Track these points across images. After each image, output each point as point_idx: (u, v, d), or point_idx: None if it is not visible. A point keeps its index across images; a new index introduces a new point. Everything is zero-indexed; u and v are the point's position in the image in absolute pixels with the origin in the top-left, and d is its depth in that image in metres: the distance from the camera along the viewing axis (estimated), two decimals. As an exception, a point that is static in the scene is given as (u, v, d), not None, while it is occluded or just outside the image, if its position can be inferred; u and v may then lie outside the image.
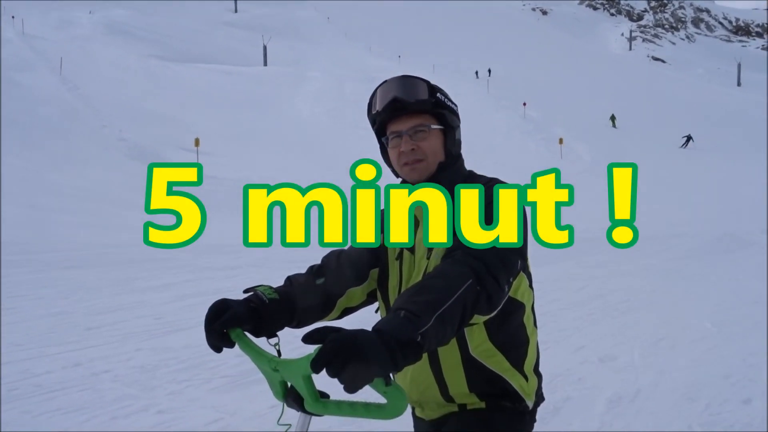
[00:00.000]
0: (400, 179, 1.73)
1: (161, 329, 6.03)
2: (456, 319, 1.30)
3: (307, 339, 1.18)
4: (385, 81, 1.66)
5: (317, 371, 1.15)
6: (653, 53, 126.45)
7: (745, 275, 8.97)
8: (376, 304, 1.85)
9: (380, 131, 1.71)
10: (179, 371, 4.69)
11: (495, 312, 1.43)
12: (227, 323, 1.47)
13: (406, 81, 1.64)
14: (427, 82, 1.65)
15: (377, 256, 1.77)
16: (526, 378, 1.67)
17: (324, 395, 1.33)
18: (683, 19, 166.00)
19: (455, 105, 1.73)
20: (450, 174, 1.66)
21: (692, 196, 21.52)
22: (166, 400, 4.26)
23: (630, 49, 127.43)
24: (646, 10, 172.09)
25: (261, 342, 1.53)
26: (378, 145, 1.76)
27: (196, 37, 62.51)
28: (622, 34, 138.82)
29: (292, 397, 1.36)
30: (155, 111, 33.20)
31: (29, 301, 7.49)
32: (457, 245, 1.46)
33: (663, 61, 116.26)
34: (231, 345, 1.48)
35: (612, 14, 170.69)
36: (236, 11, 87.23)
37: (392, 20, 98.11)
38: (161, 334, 5.86)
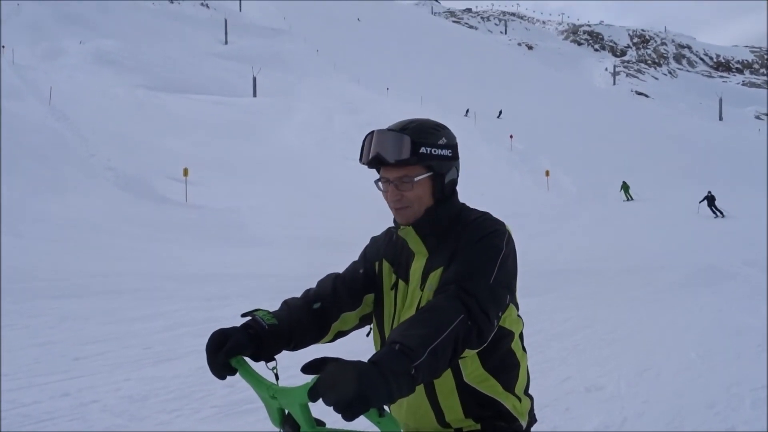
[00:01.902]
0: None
1: (150, 359, 6.02)
2: (448, 353, 1.37)
3: (306, 369, 1.24)
4: (371, 133, 1.66)
5: (314, 400, 1.22)
6: (637, 88, 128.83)
7: (728, 306, 9.09)
8: (367, 328, 1.89)
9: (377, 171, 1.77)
10: (168, 401, 4.69)
11: (484, 345, 1.50)
12: (230, 352, 1.50)
13: (390, 139, 1.62)
14: (411, 139, 1.62)
15: (372, 282, 1.82)
16: (519, 399, 1.72)
17: (320, 423, 1.37)
18: (665, 55, 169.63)
19: (449, 147, 1.71)
20: (440, 213, 1.71)
21: (676, 228, 21.78)
22: (155, 430, 4.26)
23: (614, 83, 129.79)
24: (629, 46, 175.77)
25: (259, 366, 1.57)
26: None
27: (186, 67, 62.91)
28: (606, 69, 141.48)
29: (289, 424, 1.40)
30: (143, 140, 33.25)
31: (15, 330, 7.43)
32: (450, 279, 1.53)
33: (646, 96, 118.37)
34: (233, 372, 1.52)
35: (596, 50, 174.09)
36: (226, 43, 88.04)
37: (380, 53, 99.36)
38: (150, 363, 5.85)
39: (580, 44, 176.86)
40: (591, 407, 4.91)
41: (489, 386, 1.67)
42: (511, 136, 46.29)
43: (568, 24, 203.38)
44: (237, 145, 35.39)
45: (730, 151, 49.93)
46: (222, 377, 1.52)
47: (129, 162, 27.81)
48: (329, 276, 1.86)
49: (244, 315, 1.66)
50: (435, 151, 1.67)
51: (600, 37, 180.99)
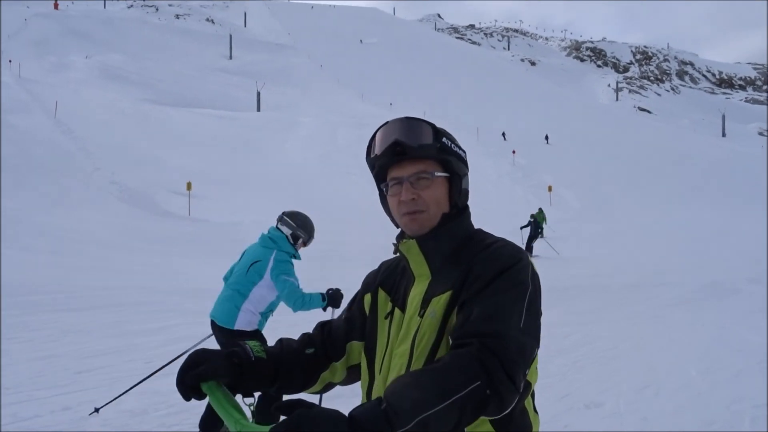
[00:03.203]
0: (399, 229, 1.58)
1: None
2: (447, 423, 1.16)
3: (278, 409, 1.12)
4: (387, 122, 1.52)
5: None
6: (639, 104, 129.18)
7: (730, 323, 9.07)
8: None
9: (380, 176, 1.57)
10: (168, 415, 4.71)
11: (506, 412, 1.26)
12: (202, 375, 1.36)
13: (410, 123, 1.49)
14: (432, 125, 1.50)
15: (353, 328, 1.65)
16: None
17: None
18: (668, 72, 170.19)
19: (463, 151, 1.58)
20: (453, 228, 1.52)
21: (678, 244, 21.75)
22: (155, 444, 4.28)
23: (617, 99, 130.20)
24: (631, 63, 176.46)
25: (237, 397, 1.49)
26: (377, 192, 1.61)
27: (191, 82, 63.36)
28: (609, 85, 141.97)
29: None
30: (148, 154, 33.43)
31: (18, 344, 7.46)
32: (471, 330, 1.29)
33: (649, 112, 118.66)
34: (201, 397, 1.38)
35: (599, 66, 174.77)
36: (231, 58, 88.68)
37: (384, 69, 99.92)
38: (151, 378, 5.87)
39: (582, 60, 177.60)
40: (590, 424, 4.91)
41: None
42: (513, 152, 46.45)
43: (570, 40, 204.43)
44: (240, 159, 35.55)
45: (733, 168, 49.98)
46: (187, 398, 1.38)
47: (133, 176, 27.95)
48: (320, 322, 1.72)
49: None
50: (454, 147, 1.54)
51: (603, 53, 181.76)
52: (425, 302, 1.45)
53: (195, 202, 25.30)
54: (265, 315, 4.36)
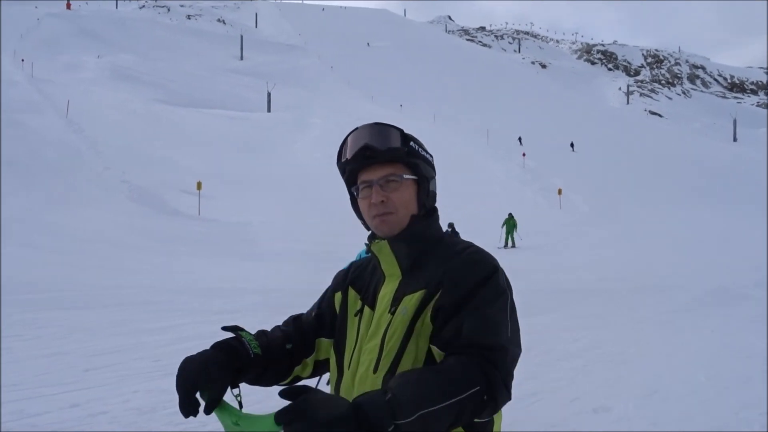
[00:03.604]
0: (370, 231, 1.63)
1: (159, 371, 6.05)
2: (445, 422, 1.22)
3: (284, 394, 1.14)
4: (356, 128, 1.58)
5: (279, 423, 1.12)
6: (650, 107, 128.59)
7: (738, 329, 9.00)
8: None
9: (351, 180, 1.63)
10: (176, 414, 4.66)
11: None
12: (218, 386, 1.39)
13: (378, 128, 1.55)
14: (401, 130, 1.56)
15: (323, 325, 1.69)
16: None
17: None
18: (679, 75, 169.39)
19: (430, 155, 1.64)
20: (422, 229, 1.57)
21: (686, 248, 21.63)
22: (162, 443, 4.30)
23: (627, 103, 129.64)
24: (642, 66, 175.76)
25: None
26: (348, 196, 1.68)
27: (201, 82, 63.62)
28: (620, 89, 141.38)
29: None
30: (158, 154, 33.59)
31: (25, 341, 7.50)
32: (467, 341, 1.35)
33: (660, 116, 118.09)
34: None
35: (609, 69, 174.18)
36: (242, 58, 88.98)
37: (394, 70, 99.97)
38: (159, 376, 5.89)
39: (593, 63, 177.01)
40: (599, 429, 4.88)
41: None
42: (523, 154, 46.33)
43: (581, 43, 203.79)
44: (250, 160, 35.66)
45: (743, 173, 49.64)
46: (195, 413, 1.38)
47: (143, 175, 28.08)
48: (292, 317, 1.75)
49: (226, 329, 1.54)
50: (421, 152, 1.59)
51: (614, 56, 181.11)
52: (396, 300, 1.51)
53: (205, 202, 25.40)
54: None
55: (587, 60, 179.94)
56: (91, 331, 8.20)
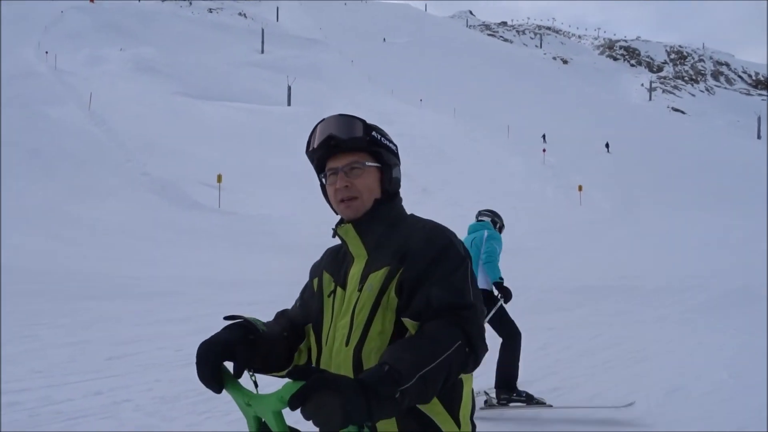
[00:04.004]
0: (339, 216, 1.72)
1: (181, 361, 6.12)
2: (439, 379, 1.34)
3: (293, 374, 1.23)
4: (324, 119, 1.68)
5: (294, 408, 1.19)
6: (673, 104, 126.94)
7: (760, 329, 8.88)
8: None
9: (319, 168, 1.73)
10: (199, 403, 4.78)
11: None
12: (240, 359, 1.44)
13: (342, 119, 1.66)
14: (363, 121, 1.66)
15: (308, 312, 1.76)
16: (459, 425, 1.56)
17: (295, 431, 1.37)
18: (703, 72, 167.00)
19: (394, 144, 1.74)
20: (385, 212, 1.66)
21: (708, 248, 21.35)
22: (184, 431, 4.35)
23: (650, 99, 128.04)
24: (666, 62, 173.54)
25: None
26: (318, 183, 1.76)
27: (222, 76, 63.93)
28: (642, 85, 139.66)
29: None
30: (178, 147, 33.82)
31: (49, 329, 7.63)
32: (439, 304, 1.47)
33: (683, 112, 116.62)
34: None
35: (632, 65, 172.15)
36: (263, 52, 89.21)
37: (415, 65, 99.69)
38: (181, 365, 5.95)
39: (616, 59, 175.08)
40: (619, 426, 4.86)
41: (429, 404, 1.48)
42: (544, 150, 46.01)
43: (604, 39, 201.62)
44: (270, 153, 35.79)
45: (768, 171, 48.80)
46: (219, 390, 1.44)
47: (164, 168, 28.30)
48: (280, 311, 1.83)
49: (228, 318, 1.58)
50: (384, 141, 1.69)
51: (636, 52, 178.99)
52: (363, 278, 1.62)
53: (225, 195, 25.56)
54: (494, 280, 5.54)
55: (609, 56, 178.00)
56: (115, 321, 8.32)
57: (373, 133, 1.67)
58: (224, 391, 1.44)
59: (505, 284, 5.44)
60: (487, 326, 5.44)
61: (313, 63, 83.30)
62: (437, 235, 1.61)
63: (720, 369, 6.52)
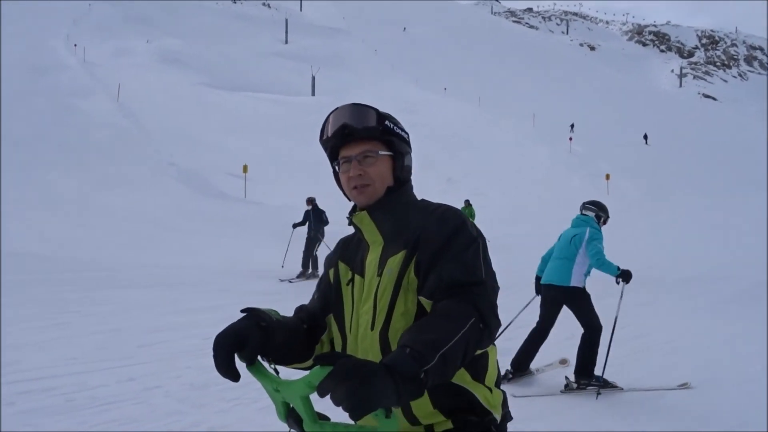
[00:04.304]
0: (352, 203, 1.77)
1: (209, 349, 6.15)
2: (459, 356, 1.37)
3: (318, 360, 1.25)
4: (337, 108, 1.73)
5: (323, 394, 1.20)
6: (704, 90, 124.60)
7: (795, 320, 8.72)
8: None
9: (332, 156, 1.76)
10: (228, 390, 4.84)
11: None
12: (250, 352, 1.45)
13: (356, 108, 1.69)
14: (376, 110, 1.71)
15: (327, 303, 1.79)
16: (490, 390, 1.65)
17: (323, 417, 1.38)
18: (736, 57, 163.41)
19: (406, 133, 1.78)
20: (397, 198, 1.71)
21: (739, 237, 20.95)
22: (215, 418, 4.42)
23: (680, 86, 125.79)
24: (697, 47, 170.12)
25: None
26: (331, 172, 1.80)
27: (247, 66, 64.23)
28: (672, 71, 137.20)
29: (293, 418, 1.40)
30: (205, 137, 34.15)
31: (81, 317, 7.79)
32: (452, 282, 1.52)
33: (714, 99, 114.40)
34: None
35: (662, 51, 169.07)
36: (286, 42, 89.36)
37: (439, 54, 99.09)
38: (209, 353, 5.99)
39: (645, 45, 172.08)
40: (649, 417, 4.82)
41: (457, 375, 1.57)
42: (570, 139, 45.53)
43: (632, 24, 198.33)
44: (294, 143, 35.93)
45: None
46: (236, 379, 1.44)
47: (190, 158, 28.62)
48: (299, 306, 1.85)
49: (244, 311, 1.59)
50: (396, 129, 1.73)
51: (666, 37, 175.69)
52: (381, 264, 1.67)
53: (250, 185, 25.77)
54: (586, 275, 5.83)
55: (638, 41, 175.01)
56: (144, 309, 8.47)
57: (386, 122, 1.71)
58: (253, 377, 1.46)
59: (621, 267, 5.75)
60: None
61: (336, 52, 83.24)
62: (449, 216, 1.65)
63: (754, 361, 6.42)
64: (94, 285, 10.20)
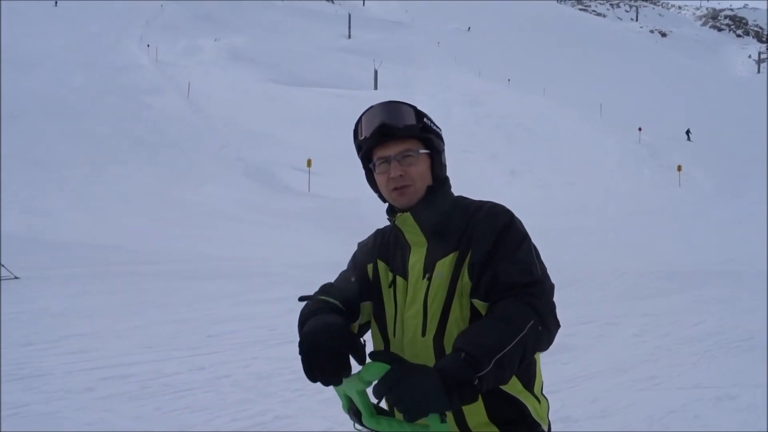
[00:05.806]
0: (387, 204, 1.71)
1: (275, 340, 6.36)
2: (515, 361, 1.34)
3: (374, 356, 1.26)
4: (371, 107, 1.67)
5: (379, 396, 1.22)
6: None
7: None
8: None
9: (367, 157, 1.70)
10: (293, 380, 4.94)
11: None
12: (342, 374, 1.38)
13: (393, 107, 1.64)
14: (414, 108, 1.66)
15: (366, 289, 1.70)
16: (538, 400, 1.59)
17: (383, 411, 1.39)
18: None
19: (440, 129, 1.73)
20: (439, 197, 1.64)
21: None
22: (281, 407, 4.52)
23: (758, 71, 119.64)
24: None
25: None
26: (364, 173, 1.76)
27: (311, 62, 64.97)
28: (750, 56, 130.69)
29: (353, 410, 1.40)
30: (270, 132, 34.78)
31: (155, 307, 8.11)
32: (508, 283, 1.46)
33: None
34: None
35: (738, 35, 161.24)
36: (350, 37, 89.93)
37: (502, 45, 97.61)
38: (275, 344, 6.18)
39: (720, 30, 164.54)
40: (723, 417, 4.64)
41: (510, 384, 1.48)
42: (639, 129, 44.03)
43: (707, 8, 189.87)
44: (358, 137, 36.14)
45: None
46: (340, 381, 1.39)
47: (257, 153, 29.23)
48: (326, 286, 1.71)
49: (302, 298, 1.61)
50: (434, 126, 1.69)
51: (743, 21, 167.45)
52: (428, 266, 1.59)
53: (314, 179, 26.10)
54: None
55: (713, 26, 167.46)
56: (213, 300, 8.73)
57: (425, 119, 1.66)
58: None
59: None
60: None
61: (399, 46, 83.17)
62: (497, 213, 1.60)
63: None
64: (165, 276, 10.60)
